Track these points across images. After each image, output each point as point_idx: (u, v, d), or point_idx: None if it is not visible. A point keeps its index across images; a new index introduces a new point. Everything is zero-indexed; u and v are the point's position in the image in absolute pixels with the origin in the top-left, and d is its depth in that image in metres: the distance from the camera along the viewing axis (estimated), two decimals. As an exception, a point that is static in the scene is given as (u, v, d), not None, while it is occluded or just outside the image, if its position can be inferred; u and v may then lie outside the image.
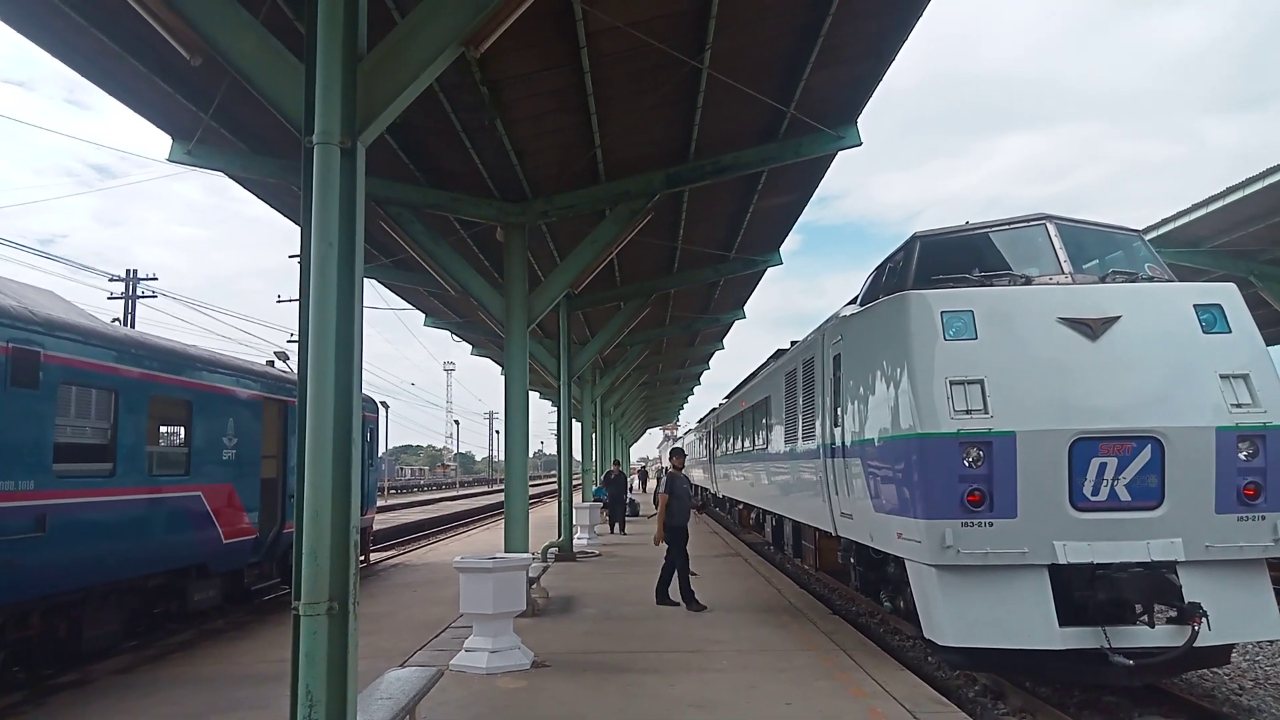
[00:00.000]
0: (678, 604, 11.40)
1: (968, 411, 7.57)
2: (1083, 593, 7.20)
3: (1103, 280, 8.31)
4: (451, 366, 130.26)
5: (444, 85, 9.00)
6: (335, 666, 4.52)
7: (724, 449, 26.19)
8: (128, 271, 31.75)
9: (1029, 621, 7.20)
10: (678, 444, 14.55)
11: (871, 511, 8.91)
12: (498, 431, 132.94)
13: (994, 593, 7.33)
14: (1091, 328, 7.72)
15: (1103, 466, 7.37)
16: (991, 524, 7.35)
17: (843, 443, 10.19)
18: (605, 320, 20.59)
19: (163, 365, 10.09)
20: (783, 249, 17.75)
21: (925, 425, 7.68)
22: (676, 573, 11.77)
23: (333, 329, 4.77)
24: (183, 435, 10.85)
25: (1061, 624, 7.13)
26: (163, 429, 11.04)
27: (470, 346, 27.93)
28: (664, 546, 12.06)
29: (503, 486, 12.23)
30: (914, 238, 9.26)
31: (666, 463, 18.91)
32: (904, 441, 7.98)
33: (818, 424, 11.64)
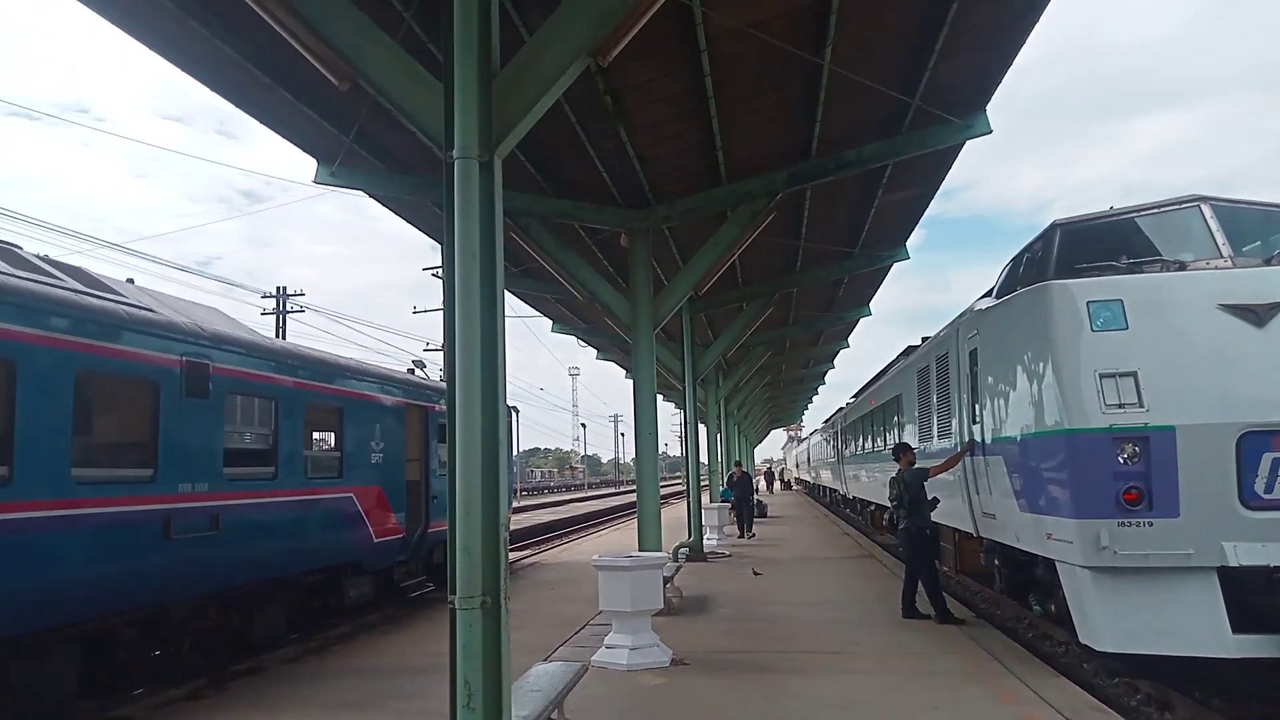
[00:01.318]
0: (926, 615, 10.22)
1: (1120, 405, 7.22)
2: (1259, 598, 6.72)
3: (1268, 263, 7.74)
4: (576, 371, 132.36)
5: (569, 97, 9.23)
6: (490, 658, 4.71)
7: (853, 449, 25.70)
8: (278, 288, 33.87)
9: (1197, 627, 6.79)
10: (901, 441, 13.27)
11: (1017, 511, 8.59)
12: (623, 434, 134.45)
13: (1156, 596, 6.95)
14: (1258, 314, 7.22)
15: (1276, 462, 6.88)
16: (1151, 524, 6.98)
17: (983, 440, 9.86)
18: (728, 322, 20.60)
19: (315, 375, 10.73)
20: (907, 244, 17.30)
21: (1073, 421, 7.37)
22: (923, 582, 10.48)
23: (477, 335, 4.99)
24: (334, 440, 11.51)
25: (1235, 630, 6.68)
26: (316, 434, 11.74)
27: (595, 351, 28.42)
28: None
29: (628, 488, 12.40)
30: (1054, 225, 8.88)
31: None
32: (1050, 438, 7.67)
33: (954, 422, 11.30)
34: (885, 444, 18.30)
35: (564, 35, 5.28)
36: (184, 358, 8.31)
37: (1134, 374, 7.26)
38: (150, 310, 8.30)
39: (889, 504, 10.84)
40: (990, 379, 9.59)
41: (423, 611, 12.42)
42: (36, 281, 7.03)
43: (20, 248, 7.79)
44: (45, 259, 7.94)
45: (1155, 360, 7.28)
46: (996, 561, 10.38)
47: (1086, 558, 7.15)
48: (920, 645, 8.98)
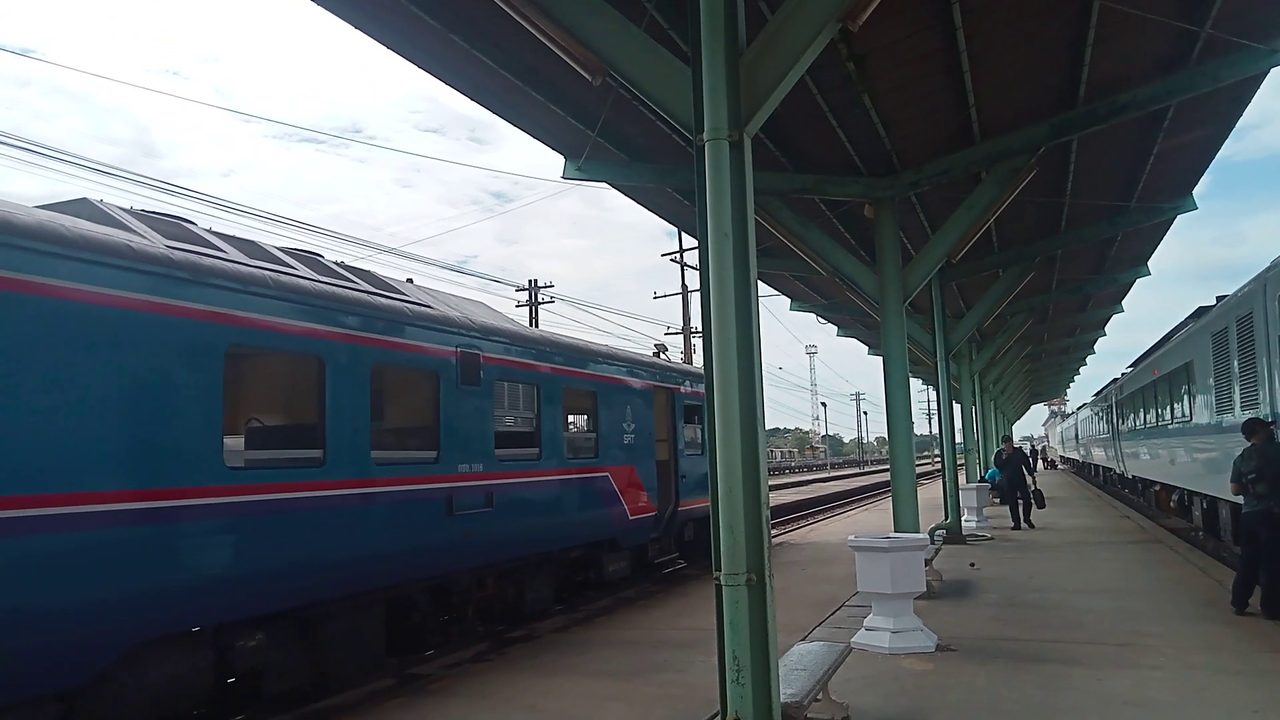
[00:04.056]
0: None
1: None
2: None
3: None
4: (814, 349, 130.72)
5: (810, 67, 9.01)
6: (757, 635, 4.74)
7: (1131, 424, 23.36)
8: (530, 281, 36.12)
9: None
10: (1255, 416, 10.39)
11: (1351, 492, 7.40)
12: (865, 413, 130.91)
13: None
14: None
15: None
16: None
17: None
18: (982, 290, 19.34)
19: (570, 361, 11.30)
20: (1194, 193, 15.33)
21: None
22: (1271, 571, 8.93)
23: (732, 314, 5.00)
24: (590, 422, 12.07)
25: None
26: (573, 417, 12.37)
27: (836, 328, 27.75)
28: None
29: (873, 469, 11.91)
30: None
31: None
32: (1397, 406, 6.52)
33: (1262, 391, 9.93)
34: (1174, 417, 16.47)
35: (812, 3, 5.14)
36: (458, 349, 9.02)
37: None
38: (429, 307, 9.08)
39: (1245, 481, 8.97)
40: (1311, 341, 8.32)
41: (677, 588, 12.76)
42: (337, 285, 7.90)
43: (322, 256, 8.79)
44: (341, 265, 8.91)
45: None
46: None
47: None
48: (1227, 641, 8.00)
